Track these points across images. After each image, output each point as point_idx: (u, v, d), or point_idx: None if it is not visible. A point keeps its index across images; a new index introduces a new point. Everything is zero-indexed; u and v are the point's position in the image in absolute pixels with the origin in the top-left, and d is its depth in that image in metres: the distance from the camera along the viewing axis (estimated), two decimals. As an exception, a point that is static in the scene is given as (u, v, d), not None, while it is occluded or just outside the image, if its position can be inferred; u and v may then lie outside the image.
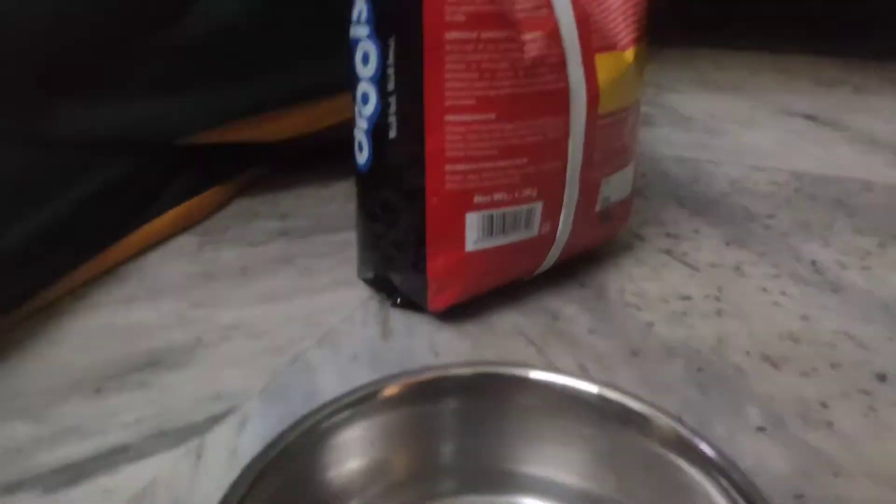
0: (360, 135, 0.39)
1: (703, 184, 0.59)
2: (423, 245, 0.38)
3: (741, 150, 0.67)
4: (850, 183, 0.58)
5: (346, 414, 0.23)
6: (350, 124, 0.40)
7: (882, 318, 0.39)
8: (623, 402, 0.24)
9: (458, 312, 0.40)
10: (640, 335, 0.38)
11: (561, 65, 0.37)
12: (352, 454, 0.24)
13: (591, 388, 0.25)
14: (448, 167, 0.36)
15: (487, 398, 0.25)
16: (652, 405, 0.24)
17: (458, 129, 0.36)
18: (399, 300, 0.42)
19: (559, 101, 0.37)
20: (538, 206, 0.39)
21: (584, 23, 0.38)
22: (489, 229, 0.38)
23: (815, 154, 0.65)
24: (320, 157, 0.65)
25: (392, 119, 0.37)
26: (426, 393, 0.25)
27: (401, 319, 0.40)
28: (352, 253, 0.44)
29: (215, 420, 0.32)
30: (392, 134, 0.37)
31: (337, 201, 0.58)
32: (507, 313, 0.41)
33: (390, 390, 0.24)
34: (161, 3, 0.50)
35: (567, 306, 0.41)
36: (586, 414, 0.25)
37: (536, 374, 0.25)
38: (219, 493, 0.20)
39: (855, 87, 0.89)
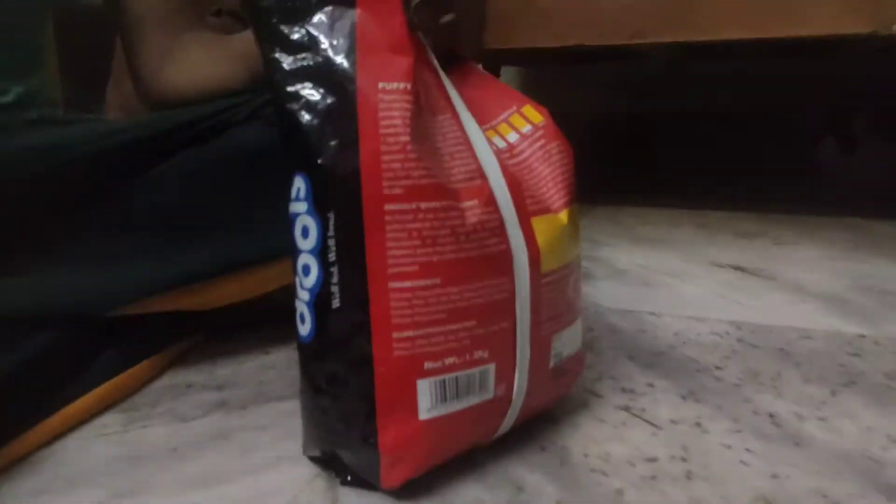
0: (302, 306, 0.37)
1: (649, 335, 0.59)
2: (373, 417, 0.36)
3: (678, 302, 0.68)
4: (790, 332, 0.60)
5: None
6: (289, 288, 0.39)
7: (850, 474, 0.38)
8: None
9: (413, 488, 0.37)
10: (611, 504, 0.36)
11: (500, 228, 0.37)
12: None
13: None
14: (395, 334, 0.35)
15: None
16: None
17: (403, 296, 0.35)
18: (349, 478, 0.38)
19: (502, 262, 0.38)
20: (491, 368, 0.38)
21: (517, 189, 0.39)
22: (442, 395, 0.36)
23: (750, 304, 0.67)
24: (260, 320, 0.62)
25: (335, 289, 0.36)
26: None
27: (352, 500, 0.37)
28: (296, 424, 0.41)
29: None
30: (335, 304, 0.36)
31: (278, 368, 0.55)
32: (468, 486, 0.38)
33: None
34: (101, 180, 0.49)
35: (530, 474, 0.39)
36: None
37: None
38: None
39: (773, 239, 0.94)
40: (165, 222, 0.51)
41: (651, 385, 0.50)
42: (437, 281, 0.35)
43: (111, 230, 0.50)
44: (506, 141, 0.43)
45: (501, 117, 0.44)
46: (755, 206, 1.16)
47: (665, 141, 1.77)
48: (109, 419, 0.47)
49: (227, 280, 0.54)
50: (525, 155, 0.43)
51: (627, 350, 0.56)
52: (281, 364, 0.56)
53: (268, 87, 0.38)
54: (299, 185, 0.37)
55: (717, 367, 0.53)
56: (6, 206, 0.45)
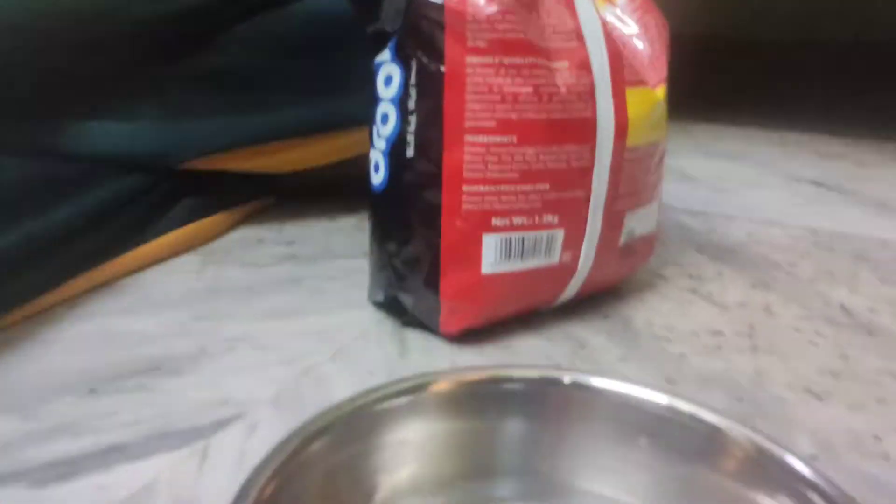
0: (377, 155, 0.38)
1: (719, 234, 0.58)
2: (437, 265, 0.36)
3: (752, 208, 0.66)
4: (868, 241, 0.58)
5: (395, 401, 0.21)
6: (358, 162, 0.40)
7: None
8: (696, 414, 0.22)
9: (476, 335, 0.38)
10: (674, 365, 0.36)
11: (589, 94, 0.36)
12: (400, 444, 0.21)
13: (661, 398, 0.23)
14: (466, 187, 0.35)
15: (548, 404, 0.23)
16: (729, 418, 0.21)
17: (477, 150, 0.35)
18: (410, 323, 0.39)
19: (585, 130, 0.37)
20: (559, 234, 0.38)
21: (616, 56, 0.38)
22: (507, 253, 0.37)
23: (827, 214, 0.65)
24: (327, 192, 0.63)
25: (410, 138, 0.36)
26: (482, 392, 0.23)
27: (418, 339, 0.38)
28: (362, 278, 0.42)
29: (221, 425, 0.29)
30: (410, 153, 0.36)
31: (345, 232, 0.56)
32: (530, 338, 0.39)
33: (442, 384, 0.22)
34: (187, 36, 0.50)
35: (594, 336, 0.39)
36: (653, 428, 0.22)
37: (599, 381, 0.23)
38: (226, 495, 0.17)
39: (856, 161, 0.90)
40: (243, 82, 0.52)
41: (720, 273, 0.49)
42: (514, 139, 0.35)
43: (192, 86, 0.51)
44: (605, 10, 0.42)
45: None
46: (840, 129, 1.10)
47: (746, 63, 1.68)
48: (186, 259, 0.49)
49: (297, 144, 0.55)
50: (623, 26, 0.41)
51: (696, 244, 0.55)
52: (347, 229, 0.57)
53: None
54: (384, 37, 0.36)
55: (790, 264, 0.51)
56: (103, 55, 0.47)
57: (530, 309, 0.40)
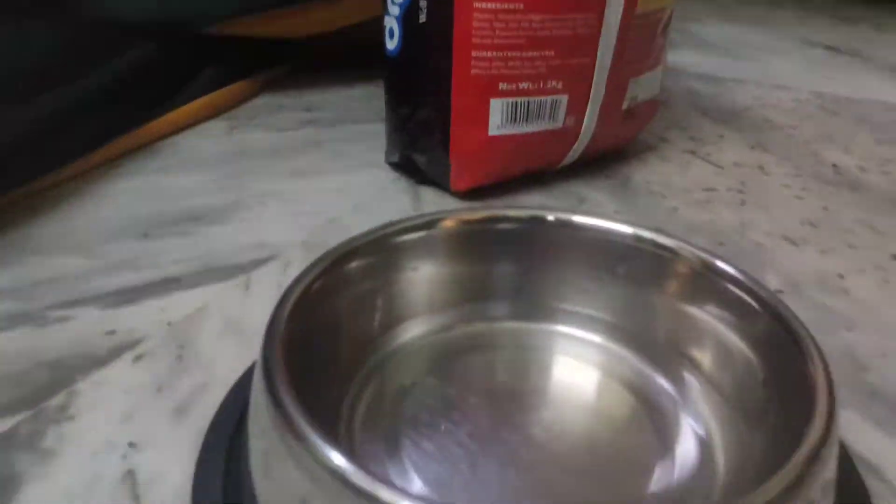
0: (392, 21, 0.40)
1: (726, 98, 0.60)
2: (447, 126, 0.39)
3: (763, 72, 0.67)
4: (873, 104, 0.59)
5: (409, 235, 0.25)
6: (373, 31, 0.41)
7: (899, 214, 0.40)
8: (656, 239, 0.25)
9: (484, 192, 0.41)
10: (665, 216, 0.39)
11: None
12: (404, 272, 0.25)
13: (627, 229, 0.26)
14: (474, 53, 0.37)
15: (537, 239, 0.26)
16: (685, 241, 0.25)
17: (485, 17, 0.36)
18: (423, 181, 0.43)
19: None
20: (563, 99, 0.40)
21: None
22: (513, 116, 0.39)
23: (838, 78, 0.66)
24: (344, 59, 0.65)
25: (423, 4, 0.37)
26: (480, 229, 0.26)
27: (431, 195, 0.41)
28: (380, 142, 0.45)
29: (260, 263, 0.33)
30: (422, 18, 0.38)
31: (361, 99, 0.58)
32: (534, 194, 0.42)
33: (448, 221, 0.25)
34: None
35: (593, 192, 0.42)
36: (622, 254, 0.26)
37: (580, 218, 0.26)
38: (268, 316, 0.21)
39: (874, 25, 0.89)
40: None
41: (720, 136, 0.51)
42: (521, 6, 0.36)
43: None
44: None
45: None
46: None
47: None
48: (213, 125, 0.52)
49: (316, 6, 0.56)
50: None
51: (702, 108, 0.57)
52: (365, 96, 0.59)
53: None
54: None
55: (792, 127, 0.53)
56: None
57: (536, 170, 0.43)
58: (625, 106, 0.43)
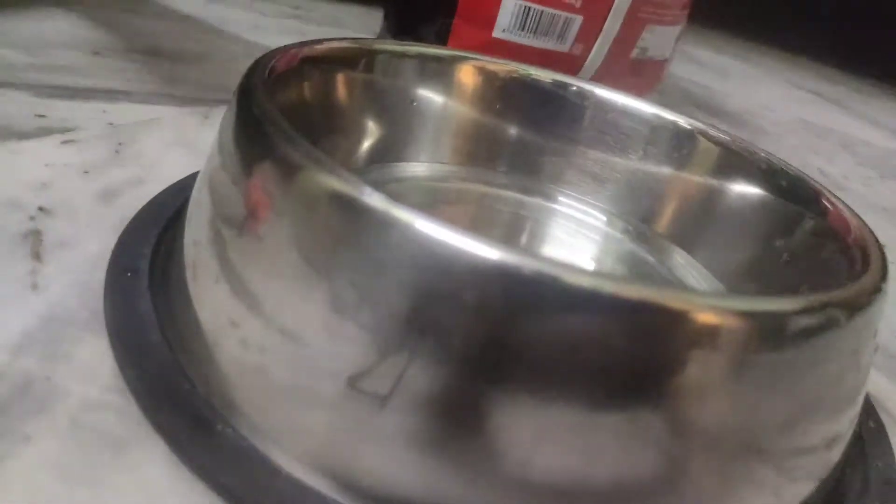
0: None
1: (717, 102, 0.59)
2: (451, 15, 0.36)
3: (752, 94, 0.67)
4: (854, 139, 0.59)
5: (414, 62, 0.22)
6: None
7: (884, 219, 0.40)
8: (678, 122, 0.23)
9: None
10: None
11: None
12: (411, 107, 0.22)
13: (649, 108, 0.24)
14: None
15: (552, 104, 0.24)
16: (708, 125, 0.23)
17: None
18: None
19: None
20: (577, 20, 0.37)
21: None
22: (522, 22, 0.36)
23: (820, 115, 0.66)
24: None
25: None
26: (503, 81, 0.23)
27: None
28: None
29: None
30: None
31: (353, 13, 0.55)
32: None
33: (466, 65, 0.23)
34: None
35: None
36: (637, 137, 0.23)
37: (602, 91, 0.24)
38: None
39: (854, 88, 0.91)
40: None
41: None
42: None
43: None
44: None
45: None
46: (844, 66, 1.10)
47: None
48: None
49: None
50: None
51: (696, 103, 0.56)
52: (357, 11, 0.56)
53: None
54: None
55: (778, 135, 0.53)
56: None
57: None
58: (634, 54, 0.41)
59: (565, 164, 0.24)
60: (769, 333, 0.12)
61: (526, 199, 0.23)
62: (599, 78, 0.40)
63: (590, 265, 0.21)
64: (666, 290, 0.11)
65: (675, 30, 0.43)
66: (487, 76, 0.23)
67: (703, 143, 0.22)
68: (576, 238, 0.22)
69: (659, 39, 0.42)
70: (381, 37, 0.41)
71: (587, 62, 0.39)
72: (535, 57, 0.37)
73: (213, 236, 0.15)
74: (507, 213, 0.22)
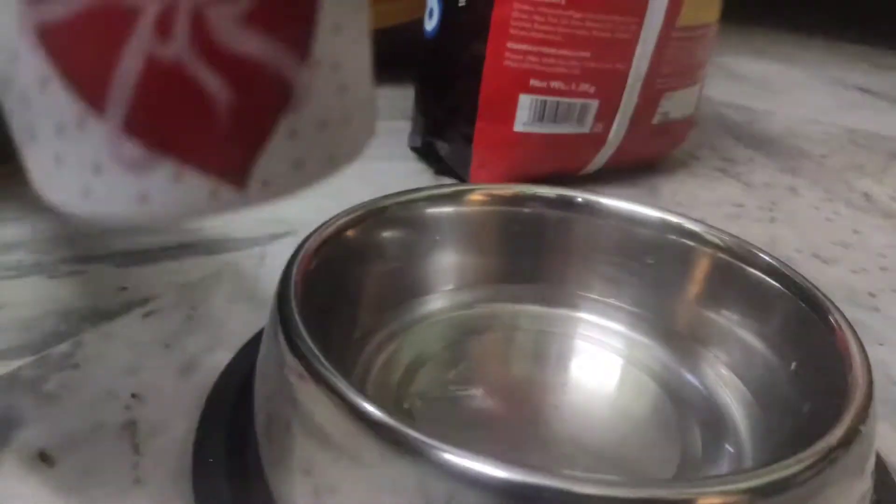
0: (433, 2, 0.39)
1: (757, 127, 0.59)
2: (473, 116, 0.39)
3: (795, 106, 0.66)
4: (905, 141, 0.58)
5: (439, 203, 0.24)
6: (407, 30, 0.42)
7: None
8: (683, 225, 0.24)
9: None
10: (692, 227, 0.38)
11: None
12: (430, 243, 0.24)
13: (653, 213, 0.25)
14: (510, 44, 0.37)
15: (563, 220, 0.26)
16: (711, 226, 0.24)
17: (525, 8, 0.36)
18: (442, 169, 0.42)
19: (638, 1, 0.37)
20: (594, 104, 0.39)
21: None
22: (540, 114, 0.38)
23: (869, 117, 0.65)
24: (377, 58, 0.65)
25: None
26: (511, 205, 0.25)
27: (455, 190, 0.41)
28: (401, 138, 0.45)
29: (275, 237, 0.33)
30: (462, 1, 0.38)
31: (388, 97, 0.58)
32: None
33: (474, 195, 0.25)
34: None
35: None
36: (647, 241, 0.25)
37: (607, 201, 0.26)
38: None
39: (911, 72, 0.88)
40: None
41: (751, 158, 0.51)
42: (562, 1, 0.36)
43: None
44: None
45: None
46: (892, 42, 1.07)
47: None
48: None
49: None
50: None
51: (734, 133, 0.56)
52: (392, 96, 0.58)
53: None
54: None
55: (822, 156, 0.53)
56: None
57: (559, 173, 0.43)
58: (656, 120, 0.42)
59: (584, 270, 0.26)
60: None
61: (551, 311, 0.25)
62: (623, 148, 0.42)
63: (619, 385, 0.23)
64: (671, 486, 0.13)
65: (695, 88, 0.44)
66: (496, 200, 0.25)
67: (707, 248, 0.23)
68: (603, 350, 0.24)
69: (679, 102, 0.43)
70: (412, 139, 0.44)
71: (609, 138, 0.40)
72: (559, 142, 0.39)
73: (266, 420, 0.18)
74: (533, 332, 0.24)
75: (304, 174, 0.12)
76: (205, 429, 0.20)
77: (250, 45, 0.10)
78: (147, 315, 0.26)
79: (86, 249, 0.29)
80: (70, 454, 0.19)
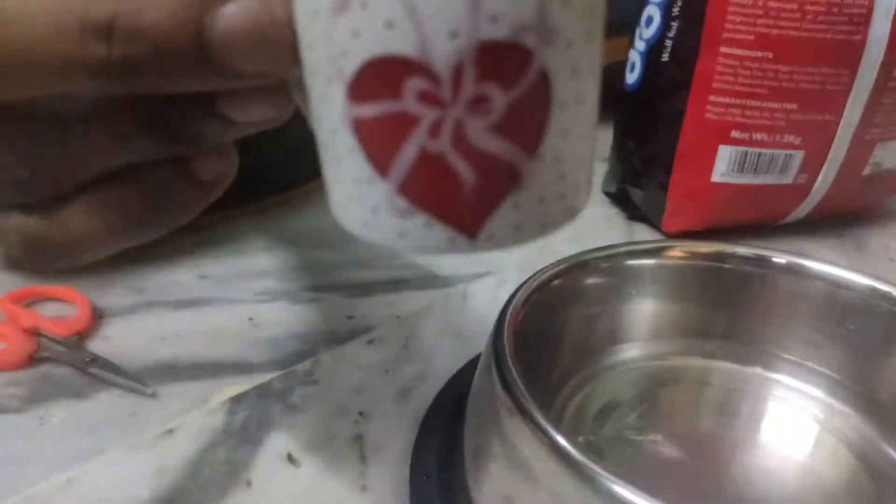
0: (635, 56, 0.41)
1: None
2: (670, 166, 0.39)
3: None
4: None
5: (640, 258, 0.26)
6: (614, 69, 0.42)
7: None
8: (892, 293, 0.24)
9: (698, 236, 0.41)
10: (905, 285, 0.36)
11: (865, 17, 0.35)
12: (628, 293, 0.26)
13: (862, 279, 0.25)
14: (712, 97, 0.37)
15: (763, 279, 0.26)
16: None
17: (730, 62, 0.36)
18: (634, 215, 0.43)
19: (850, 53, 0.36)
20: (799, 155, 0.38)
21: None
22: (740, 165, 0.38)
23: None
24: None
25: (668, 43, 0.38)
26: (709, 262, 0.26)
27: (644, 234, 0.42)
28: (595, 179, 0.46)
29: (477, 276, 0.36)
30: (665, 57, 0.38)
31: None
32: (750, 244, 0.40)
33: (679, 250, 0.26)
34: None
35: (821, 251, 0.40)
36: (861, 311, 0.25)
37: (811, 263, 0.26)
38: (484, 322, 0.23)
39: None
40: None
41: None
42: (769, 55, 0.36)
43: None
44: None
45: None
46: None
47: None
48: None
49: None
50: None
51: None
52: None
53: None
54: None
55: None
56: None
57: (756, 222, 0.42)
58: (866, 171, 0.40)
59: (781, 331, 0.26)
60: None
61: (744, 369, 0.26)
62: (829, 198, 0.40)
63: (812, 452, 0.23)
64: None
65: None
66: (695, 257, 0.26)
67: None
68: (797, 414, 0.24)
69: (894, 152, 0.41)
70: (606, 184, 0.46)
71: (813, 190, 0.39)
72: (758, 193, 0.39)
73: (475, 447, 0.20)
74: (724, 389, 0.25)
75: (521, 234, 0.15)
76: (420, 449, 0.23)
77: (494, 145, 0.14)
78: (370, 342, 0.30)
79: (321, 280, 0.35)
80: (311, 458, 0.23)
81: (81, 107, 0.17)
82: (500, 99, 0.14)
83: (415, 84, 0.13)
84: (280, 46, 0.15)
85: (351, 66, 0.14)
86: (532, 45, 0.13)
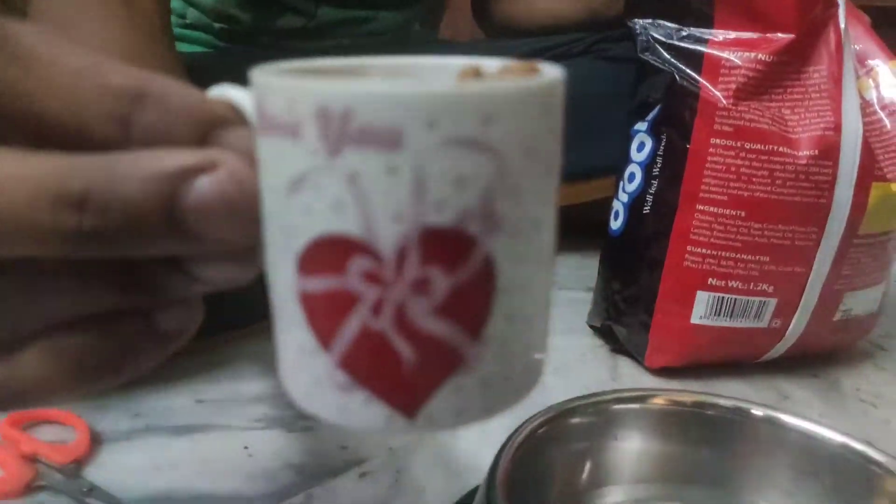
0: (619, 206, 0.44)
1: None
2: (651, 307, 0.41)
3: None
4: None
5: (625, 404, 0.27)
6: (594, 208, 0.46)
7: None
8: (867, 453, 0.25)
9: (680, 371, 0.42)
10: (876, 429, 0.38)
11: (829, 184, 0.38)
12: (612, 437, 0.27)
13: (836, 436, 0.26)
14: (689, 248, 0.40)
15: (741, 431, 0.28)
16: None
17: (705, 218, 0.39)
18: (618, 349, 0.45)
19: (816, 214, 0.38)
20: (771, 302, 0.40)
21: (869, 151, 0.39)
22: (717, 310, 0.40)
23: None
24: (560, 230, 0.70)
25: (650, 198, 0.41)
26: (691, 410, 0.28)
27: (627, 367, 0.44)
28: (583, 308, 0.48)
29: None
30: (646, 209, 0.41)
31: (569, 266, 0.62)
32: (733, 383, 0.42)
33: (662, 399, 0.28)
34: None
35: (798, 391, 0.42)
36: (827, 463, 0.26)
37: (787, 418, 0.28)
38: (474, 456, 0.24)
39: None
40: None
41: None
42: (742, 214, 0.38)
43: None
44: (869, 94, 0.42)
45: (866, 68, 0.43)
46: None
47: None
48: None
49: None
50: (880, 114, 0.42)
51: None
52: (572, 264, 0.63)
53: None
54: (645, 109, 0.42)
55: None
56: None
57: (734, 361, 0.44)
58: (837, 317, 0.42)
59: (761, 478, 0.27)
60: None
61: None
62: (803, 340, 0.42)
63: None
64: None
65: (880, 287, 0.44)
66: (678, 404, 0.28)
67: (892, 478, 0.24)
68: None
69: (863, 300, 0.43)
70: (591, 318, 0.48)
71: (787, 333, 0.41)
72: (736, 334, 0.41)
73: None
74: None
75: (463, 418, 0.15)
76: None
77: (436, 327, 0.14)
78: (363, 475, 0.30)
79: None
80: None
81: (48, 260, 0.17)
82: (442, 282, 0.14)
83: (359, 263, 0.14)
84: (248, 218, 0.15)
85: (301, 241, 0.14)
86: (476, 232, 0.14)
